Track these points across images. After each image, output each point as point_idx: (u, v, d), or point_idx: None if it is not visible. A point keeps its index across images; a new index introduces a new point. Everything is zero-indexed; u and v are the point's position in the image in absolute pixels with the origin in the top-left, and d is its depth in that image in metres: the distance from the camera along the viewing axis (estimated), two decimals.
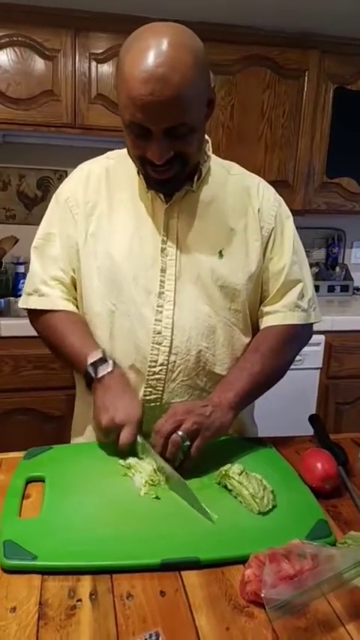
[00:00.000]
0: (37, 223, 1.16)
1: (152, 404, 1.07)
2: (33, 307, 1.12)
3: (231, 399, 1.00)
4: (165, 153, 0.92)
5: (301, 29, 2.41)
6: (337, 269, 3.06)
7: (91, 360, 1.02)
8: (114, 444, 0.97)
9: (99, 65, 2.31)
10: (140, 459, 0.96)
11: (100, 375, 1.01)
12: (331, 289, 3.00)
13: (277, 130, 2.53)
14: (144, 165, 0.97)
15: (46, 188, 2.70)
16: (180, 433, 0.92)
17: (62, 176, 2.68)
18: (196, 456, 0.93)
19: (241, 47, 2.41)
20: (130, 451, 0.97)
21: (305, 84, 2.51)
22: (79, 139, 2.44)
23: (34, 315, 1.14)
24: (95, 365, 1.02)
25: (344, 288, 3.02)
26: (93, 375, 1.01)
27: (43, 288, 1.10)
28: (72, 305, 1.12)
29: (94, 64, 2.31)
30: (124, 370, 1.06)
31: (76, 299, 1.13)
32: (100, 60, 2.31)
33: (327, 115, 2.57)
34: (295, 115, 2.54)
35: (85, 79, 2.31)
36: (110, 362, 1.02)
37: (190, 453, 0.93)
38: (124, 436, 0.95)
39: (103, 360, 1.02)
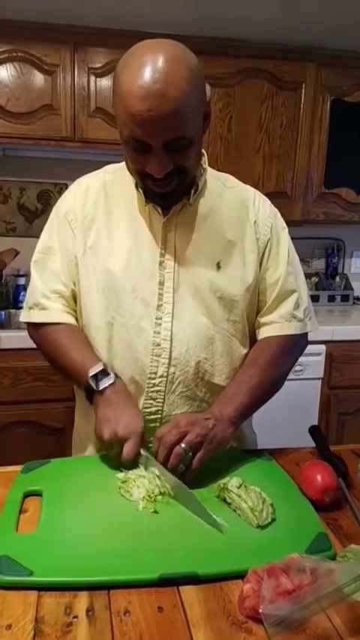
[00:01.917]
0: (38, 236, 1.16)
1: (152, 416, 1.07)
2: (34, 321, 1.12)
3: (231, 414, 1.01)
4: (165, 166, 0.93)
5: (299, 42, 2.44)
6: (337, 279, 3.06)
7: (92, 372, 1.02)
8: (116, 457, 0.97)
9: (98, 79, 2.34)
10: (140, 471, 0.95)
11: (101, 387, 1.01)
12: (331, 299, 3.00)
13: (275, 142, 2.55)
14: (144, 179, 0.98)
15: (47, 201, 2.72)
16: (183, 445, 0.92)
17: (62, 189, 2.70)
18: (197, 467, 0.93)
19: (238, 60, 2.43)
20: (131, 464, 0.96)
21: (303, 96, 2.53)
22: (78, 152, 2.46)
23: (35, 328, 1.14)
24: (97, 377, 1.01)
25: (344, 298, 3.02)
26: (94, 387, 1.01)
27: (44, 302, 1.11)
28: (72, 318, 1.12)
29: (92, 78, 2.33)
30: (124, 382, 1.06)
31: (76, 312, 1.13)
32: (99, 74, 2.33)
33: (324, 126, 2.59)
34: (293, 126, 2.55)
35: (84, 93, 2.33)
36: (112, 374, 1.02)
37: (192, 464, 0.93)
38: (127, 450, 0.95)
39: (104, 372, 1.02)
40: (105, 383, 1.01)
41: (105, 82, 2.34)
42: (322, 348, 2.44)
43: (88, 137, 2.37)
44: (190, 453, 0.93)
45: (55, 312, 1.11)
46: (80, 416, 1.22)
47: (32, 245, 1.17)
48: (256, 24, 2.25)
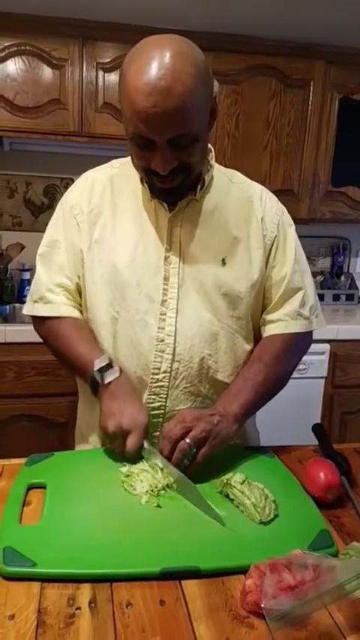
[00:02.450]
0: (44, 230, 1.16)
1: (155, 411, 1.07)
2: (39, 314, 1.12)
3: (236, 411, 1.02)
4: (169, 163, 0.93)
5: (307, 39, 2.43)
6: (343, 278, 3.05)
7: (97, 366, 1.02)
8: (120, 450, 0.97)
9: (106, 74, 2.34)
10: (144, 465, 0.96)
11: (106, 380, 1.01)
12: (336, 298, 2.99)
13: (283, 139, 2.54)
14: (149, 175, 0.98)
15: (53, 196, 2.72)
16: (188, 441, 0.93)
17: (68, 184, 2.70)
18: (201, 462, 0.94)
19: (247, 57, 2.43)
20: (134, 457, 0.97)
21: (311, 93, 2.52)
22: (85, 147, 2.46)
23: (39, 321, 1.14)
24: (102, 371, 1.02)
25: (349, 297, 3.02)
26: (100, 381, 1.02)
27: (48, 295, 1.11)
28: (77, 311, 1.12)
29: (101, 73, 2.33)
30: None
31: (81, 305, 1.14)
32: (107, 69, 2.33)
33: (332, 124, 2.58)
34: (301, 124, 2.55)
35: (92, 87, 2.33)
36: (117, 368, 1.03)
37: (195, 459, 0.94)
38: (131, 442, 0.96)
39: (109, 366, 1.02)
40: (110, 377, 1.01)
41: (113, 77, 2.33)
42: (327, 347, 2.44)
43: (95, 132, 2.37)
44: (195, 449, 0.93)
45: (59, 305, 1.11)
46: (83, 408, 1.22)
47: (38, 239, 1.17)
48: (266, 21, 2.24)
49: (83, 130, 2.36)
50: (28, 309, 1.15)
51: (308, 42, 2.44)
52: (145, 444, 0.97)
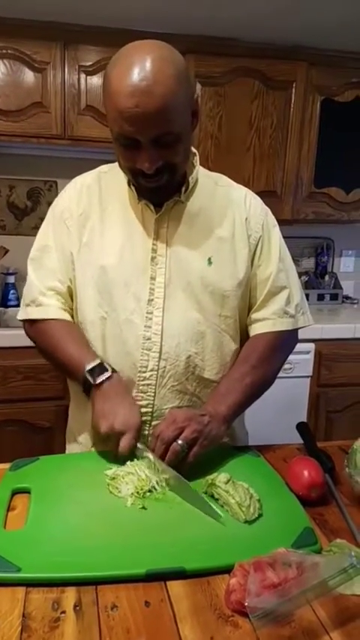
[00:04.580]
0: (28, 234, 1.17)
1: (144, 409, 1.08)
2: (31, 318, 1.13)
3: (224, 412, 1.04)
4: (154, 161, 0.95)
5: (290, 42, 2.45)
6: (327, 278, 3.08)
7: (89, 366, 1.03)
8: (113, 451, 0.98)
9: (88, 77, 2.33)
10: (129, 467, 0.96)
11: (98, 381, 1.02)
12: (320, 298, 3.02)
13: (266, 141, 2.56)
14: (135, 175, 1.01)
15: (37, 199, 2.70)
16: (180, 442, 0.95)
17: (52, 187, 2.69)
18: (191, 462, 0.96)
19: (229, 59, 2.44)
20: (127, 457, 0.97)
21: (293, 95, 2.54)
22: (69, 150, 2.45)
23: (30, 324, 1.15)
24: (93, 371, 1.03)
25: (334, 297, 3.05)
26: (91, 381, 1.02)
27: (40, 298, 1.12)
28: (68, 315, 1.14)
29: (83, 76, 2.33)
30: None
31: (72, 309, 1.15)
32: (90, 72, 2.33)
33: (314, 125, 2.60)
34: (283, 125, 2.56)
35: (74, 90, 2.33)
36: (109, 368, 1.04)
37: (187, 458, 0.95)
38: (124, 443, 0.96)
39: (101, 366, 1.03)
40: (102, 377, 1.02)
41: (95, 80, 2.33)
42: (312, 346, 2.46)
43: (78, 135, 2.36)
44: (186, 449, 0.95)
45: (51, 308, 1.12)
46: (74, 408, 1.23)
47: (22, 243, 1.18)
48: (248, 23, 2.25)
49: (66, 133, 2.35)
50: (21, 314, 1.17)
51: (291, 44, 2.46)
52: (139, 445, 0.98)
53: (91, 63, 2.32)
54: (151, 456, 0.96)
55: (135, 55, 0.90)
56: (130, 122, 0.91)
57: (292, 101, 2.54)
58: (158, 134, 0.92)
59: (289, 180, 2.62)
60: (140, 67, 0.89)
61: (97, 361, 1.04)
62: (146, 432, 1.07)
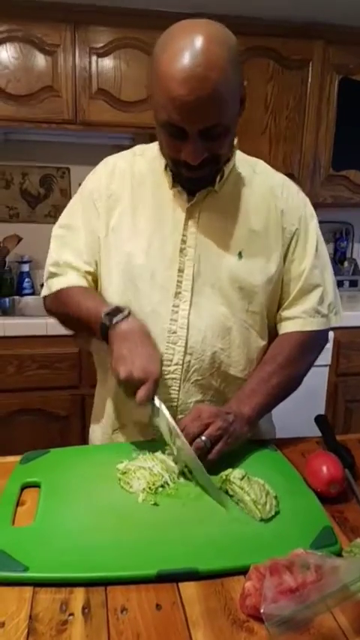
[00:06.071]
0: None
1: (168, 403, 1.04)
2: (53, 289, 1.10)
3: (248, 413, 1.01)
4: (200, 154, 0.91)
5: (305, 19, 2.36)
6: (346, 264, 3.00)
7: (105, 310, 0.98)
8: (132, 396, 0.93)
9: (99, 59, 2.28)
10: (141, 462, 0.93)
11: (115, 321, 0.97)
12: (339, 284, 2.90)
13: (282, 122, 2.48)
14: (177, 164, 0.97)
15: (49, 186, 2.67)
16: (204, 438, 0.92)
17: (65, 173, 2.65)
18: (214, 459, 0.92)
19: (243, 38, 2.34)
20: (145, 408, 0.95)
21: (309, 75, 2.46)
22: (80, 135, 2.41)
23: (52, 298, 1.12)
24: (110, 314, 0.98)
25: (353, 283, 2.97)
26: (107, 323, 0.97)
27: (59, 271, 1.10)
28: (86, 283, 1.10)
29: (94, 58, 2.27)
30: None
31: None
32: (101, 54, 2.27)
33: (332, 106, 2.52)
34: (300, 106, 2.48)
35: (85, 74, 2.28)
36: (126, 310, 0.98)
37: (209, 454, 0.92)
38: (142, 394, 0.91)
39: (118, 309, 0.98)
40: (118, 316, 0.97)
41: (107, 63, 2.28)
42: (330, 334, 2.38)
43: (90, 119, 2.31)
44: (209, 446, 0.92)
45: (71, 277, 1.09)
46: (100, 388, 1.20)
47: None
48: (262, 1, 2.17)
49: (78, 118, 2.31)
50: (45, 290, 1.14)
51: (306, 21, 2.37)
52: (155, 400, 0.94)
53: (102, 44, 2.26)
54: (167, 414, 0.92)
55: (187, 37, 0.84)
56: (180, 110, 0.86)
57: (309, 81, 2.47)
58: (208, 126, 0.88)
59: (307, 163, 2.54)
60: (194, 51, 0.83)
61: (114, 305, 0.99)
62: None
